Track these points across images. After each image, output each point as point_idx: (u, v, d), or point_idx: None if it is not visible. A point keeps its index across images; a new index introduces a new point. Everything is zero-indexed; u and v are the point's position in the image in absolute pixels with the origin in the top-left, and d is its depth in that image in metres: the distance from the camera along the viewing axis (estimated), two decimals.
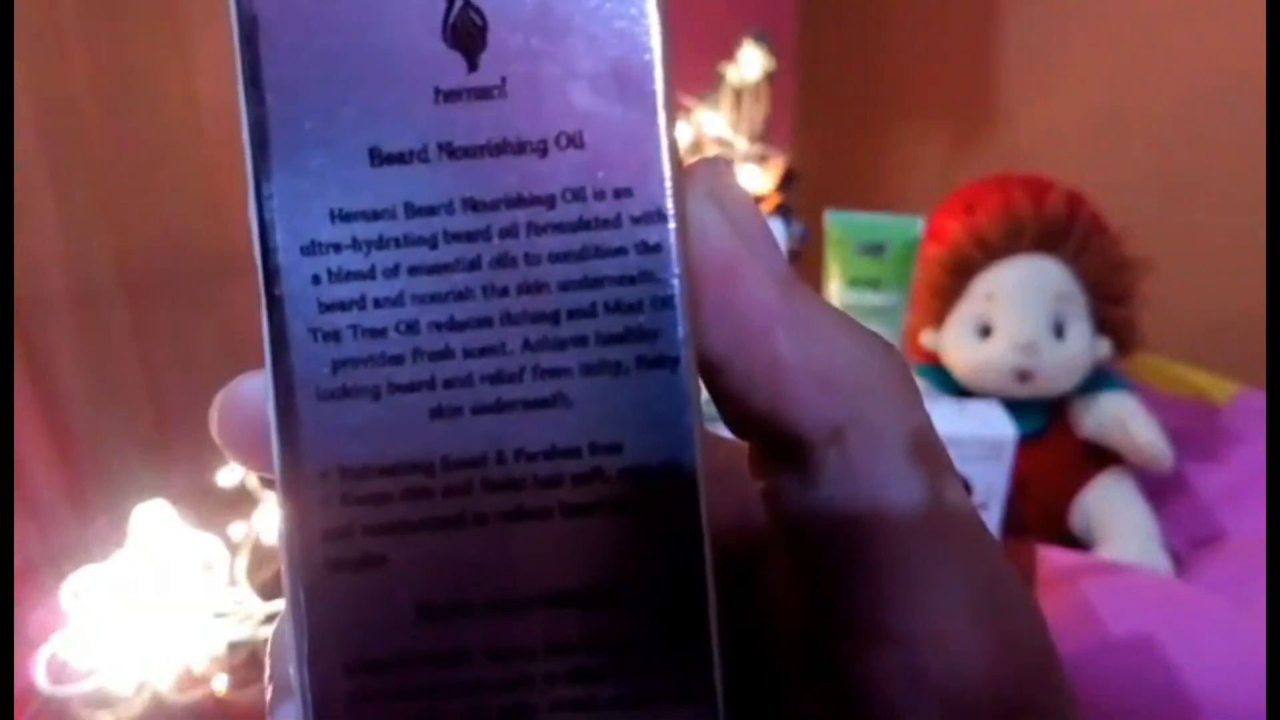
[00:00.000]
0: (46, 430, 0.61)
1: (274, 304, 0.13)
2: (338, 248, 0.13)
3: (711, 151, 0.86)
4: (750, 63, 0.86)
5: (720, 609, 0.13)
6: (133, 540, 0.48)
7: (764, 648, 0.15)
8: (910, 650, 0.13)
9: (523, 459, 0.13)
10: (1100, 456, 0.65)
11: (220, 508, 0.53)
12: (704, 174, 0.14)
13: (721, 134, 0.87)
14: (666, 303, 0.13)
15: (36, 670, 0.45)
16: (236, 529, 0.52)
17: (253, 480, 0.52)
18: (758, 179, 0.87)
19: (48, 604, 0.46)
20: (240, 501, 0.53)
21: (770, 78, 0.87)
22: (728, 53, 0.87)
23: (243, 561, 0.51)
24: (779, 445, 0.14)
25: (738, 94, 0.87)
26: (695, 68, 0.87)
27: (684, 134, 0.86)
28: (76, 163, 0.61)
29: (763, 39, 0.86)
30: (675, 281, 0.13)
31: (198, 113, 0.66)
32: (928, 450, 0.14)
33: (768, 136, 0.89)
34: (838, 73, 1.22)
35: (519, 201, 0.13)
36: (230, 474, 0.53)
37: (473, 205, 0.13)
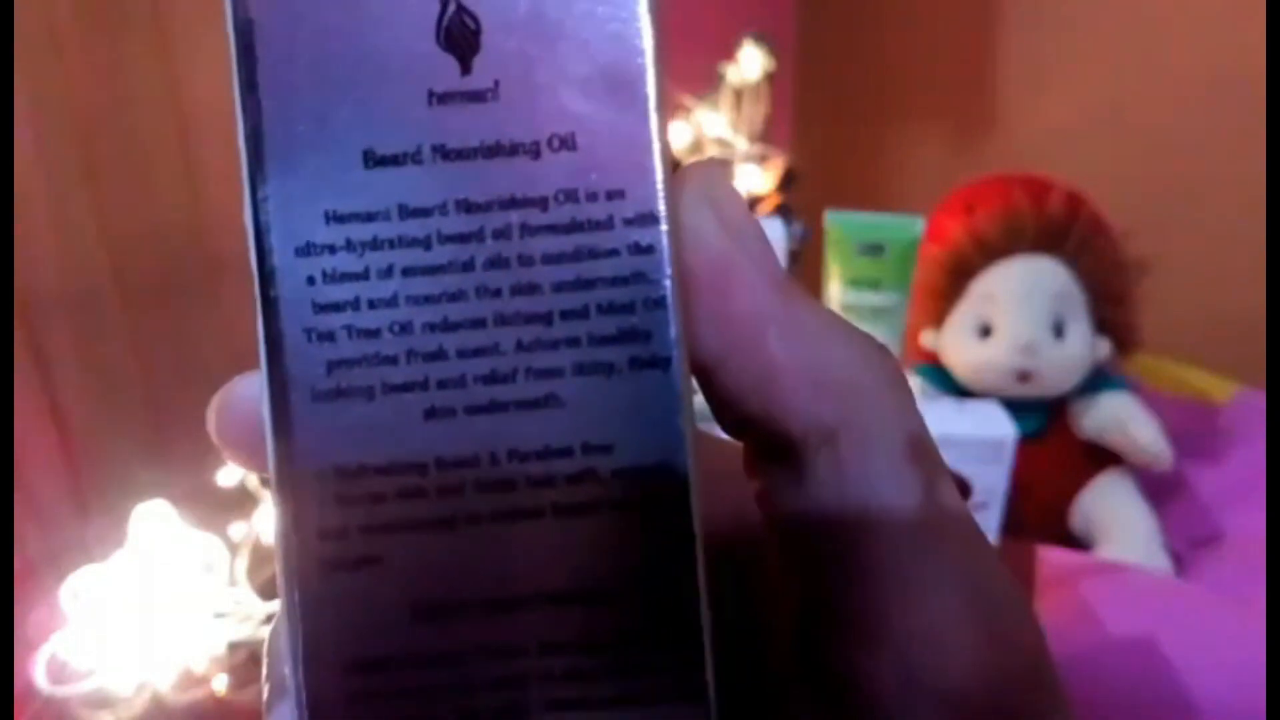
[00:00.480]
0: (47, 430, 0.61)
1: (269, 305, 0.13)
2: (332, 249, 0.13)
3: (711, 152, 0.86)
4: (750, 63, 0.86)
5: (711, 608, 0.13)
6: (133, 540, 0.48)
7: (759, 647, 0.15)
8: (904, 650, 0.13)
9: (515, 459, 0.13)
10: (1100, 457, 0.65)
11: (220, 508, 0.53)
12: (698, 176, 0.14)
13: (721, 134, 0.87)
14: (659, 304, 0.13)
15: (36, 670, 0.45)
16: (236, 529, 0.52)
17: (253, 480, 0.52)
18: (758, 179, 0.87)
19: (48, 604, 0.46)
20: (240, 501, 0.53)
21: (770, 78, 0.87)
22: (728, 53, 0.87)
23: (243, 561, 0.51)
24: (773, 447, 0.14)
25: (738, 94, 0.87)
26: (695, 68, 0.87)
27: (684, 134, 0.86)
28: (73, 165, 0.61)
29: (763, 39, 0.86)
30: (667, 283, 0.13)
31: (194, 114, 0.66)
32: (921, 452, 0.14)
33: (768, 136, 0.89)
34: (838, 73, 1.22)
35: (512, 203, 0.13)
36: (230, 474, 0.53)
37: (466, 207, 0.13)
